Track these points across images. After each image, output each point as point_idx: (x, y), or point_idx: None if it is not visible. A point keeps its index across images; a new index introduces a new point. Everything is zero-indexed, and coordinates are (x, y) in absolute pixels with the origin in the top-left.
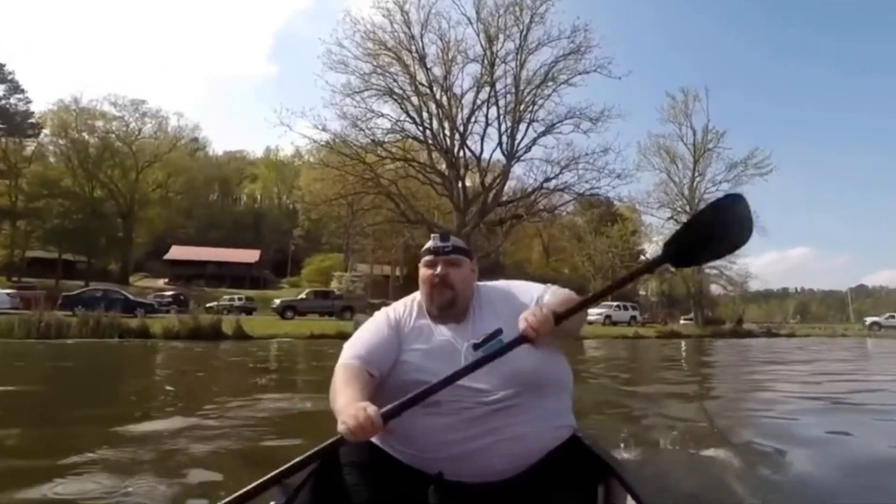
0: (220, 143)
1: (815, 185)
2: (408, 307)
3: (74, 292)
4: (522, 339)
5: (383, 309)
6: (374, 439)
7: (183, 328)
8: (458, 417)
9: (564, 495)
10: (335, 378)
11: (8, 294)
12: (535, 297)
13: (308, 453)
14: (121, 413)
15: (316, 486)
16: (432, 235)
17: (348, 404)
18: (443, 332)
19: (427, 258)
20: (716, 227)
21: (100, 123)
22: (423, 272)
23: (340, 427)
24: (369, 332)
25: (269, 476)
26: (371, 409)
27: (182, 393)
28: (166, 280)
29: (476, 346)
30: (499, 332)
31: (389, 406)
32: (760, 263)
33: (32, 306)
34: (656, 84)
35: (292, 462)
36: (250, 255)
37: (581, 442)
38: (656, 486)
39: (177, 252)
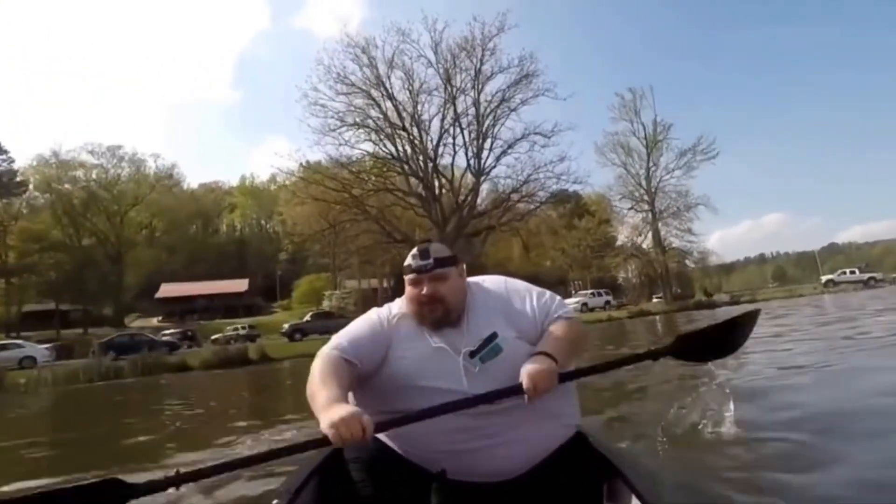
0: (193, 175)
1: (783, 149)
2: (401, 309)
3: (105, 339)
4: (518, 389)
5: (375, 309)
6: (378, 436)
7: (216, 359)
8: (461, 420)
9: (568, 494)
10: (314, 367)
11: (46, 349)
12: (533, 306)
13: (290, 444)
14: None
15: (321, 482)
16: (412, 253)
17: (332, 403)
18: (436, 339)
19: (410, 276)
20: (725, 336)
21: (80, 173)
22: (409, 290)
23: (328, 430)
24: (356, 324)
25: (248, 455)
26: (366, 419)
27: None
28: (160, 318)
29: (472, 354)
30: (494, 336)
31: (385, 419)
32: (737, 232)
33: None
34: (598, 97)
35: (265, 451)
36: (239, 285)
37: (586, 440)
38: (662, 484)
39: (166, 290)
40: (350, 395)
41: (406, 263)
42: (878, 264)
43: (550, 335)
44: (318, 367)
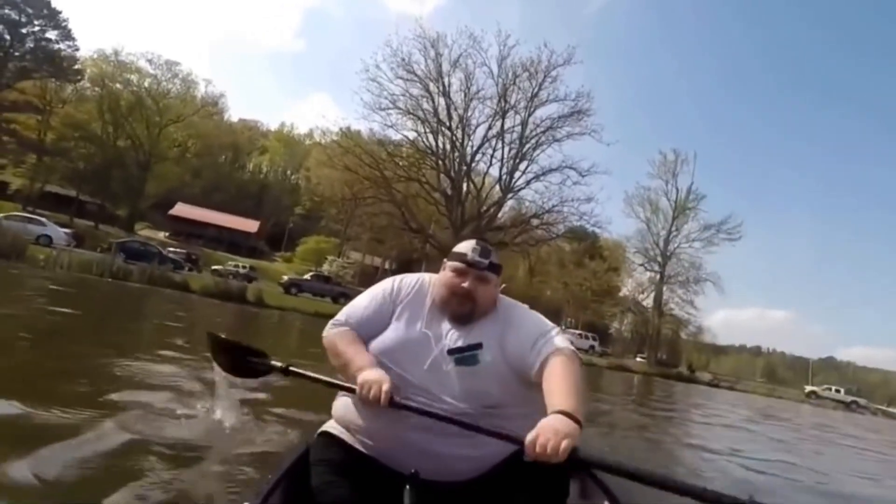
0: (236, 110)
1: (808, 252)
2: (421, 285)
3: (119, 240)
4: (520, 441)
5: (393, 279)
6: (346, 438)
7: (217, 289)
8: (431, 420)
9: (538, 491)
10: (332, 342)
11: (66, 233)
12: (536, 339)
13: (331, 379)
14: None
15: (291, 483)
16: (471, 245)
17: (368, 367)
18: (433, 325)
19: (457, 265)
20: None
21: (133, 77)
22: (448, 277)
23: (359, 384)
24: (368, 302)
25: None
26: (386, 388)
27: None
28: (167, 234)
29: (450, 352)
30: (478, 346)
31: (404, 401)
32: (742, 317)
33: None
34: (638, 149)
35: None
36: (250, 225)
37: None
38: (629, 483)
39: (181, 209)
40: None
41: (460, 251)
42: (870, 391)
43: (556, 378)
44: (336, 341)
